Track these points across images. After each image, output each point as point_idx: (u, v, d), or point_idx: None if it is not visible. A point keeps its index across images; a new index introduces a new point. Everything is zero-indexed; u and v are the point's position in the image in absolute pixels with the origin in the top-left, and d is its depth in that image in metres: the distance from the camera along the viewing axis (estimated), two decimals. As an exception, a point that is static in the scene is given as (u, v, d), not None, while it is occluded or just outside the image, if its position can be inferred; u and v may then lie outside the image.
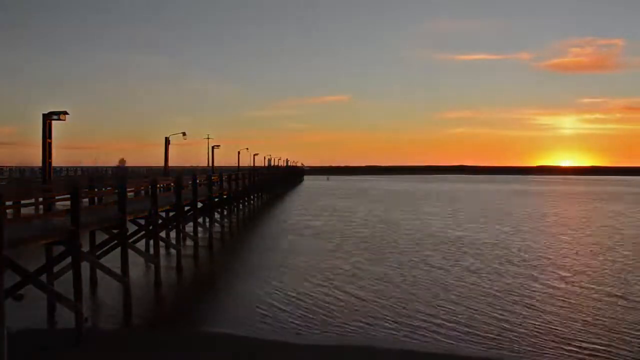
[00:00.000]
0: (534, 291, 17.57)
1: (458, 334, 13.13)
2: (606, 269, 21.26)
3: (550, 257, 24.13)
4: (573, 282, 19.00)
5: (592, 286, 18.27)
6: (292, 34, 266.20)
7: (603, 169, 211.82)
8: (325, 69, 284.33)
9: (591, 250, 26.10)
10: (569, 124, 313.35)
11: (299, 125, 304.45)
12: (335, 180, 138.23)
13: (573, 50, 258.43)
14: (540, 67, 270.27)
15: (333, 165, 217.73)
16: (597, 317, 14.49)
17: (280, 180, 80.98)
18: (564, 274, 20.38)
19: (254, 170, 59.69)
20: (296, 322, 14.23)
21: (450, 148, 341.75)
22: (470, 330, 13.35)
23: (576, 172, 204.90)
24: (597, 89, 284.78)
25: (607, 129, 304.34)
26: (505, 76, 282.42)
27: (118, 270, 15.87)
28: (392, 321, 14.21)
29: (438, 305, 15.77)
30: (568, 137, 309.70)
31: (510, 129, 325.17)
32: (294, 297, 16.91)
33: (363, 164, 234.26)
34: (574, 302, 16.25)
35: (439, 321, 14.16)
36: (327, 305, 15.91)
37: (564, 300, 16.37)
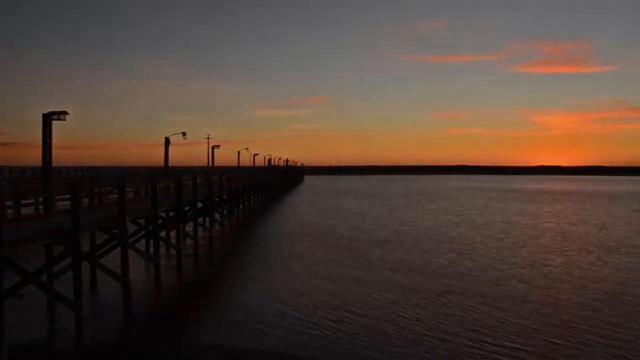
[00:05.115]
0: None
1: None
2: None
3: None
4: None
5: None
6: (286, 33, 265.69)
7: (598, 168, 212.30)
8: (320, 70, 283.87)
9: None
10: (556, 124, 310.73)
11: (299, 125, 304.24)
12: (337, 181, 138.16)
13: (546, 51, 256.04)
14: (515, 67, 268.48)
15: (333, 165, 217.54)
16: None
17: (276, 181, 79.55)
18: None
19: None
20: (297, 331, 13.68)
21: (448, 148, 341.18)
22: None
23: (570, 171, 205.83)
24: (579, 89, 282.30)
25: (598, 128, 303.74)
26: (491, 77, 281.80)
27: (118, 270, 15.88)
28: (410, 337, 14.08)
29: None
30: (558, 137, 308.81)
31: (502, 129, 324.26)
32: (294, 302, 16.64)
33: (363, 164, 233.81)
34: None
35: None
36: (331, 314, 15.50)
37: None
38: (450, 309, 15.40)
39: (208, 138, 68.20)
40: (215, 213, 31.96)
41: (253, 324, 14.04)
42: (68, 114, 17.23)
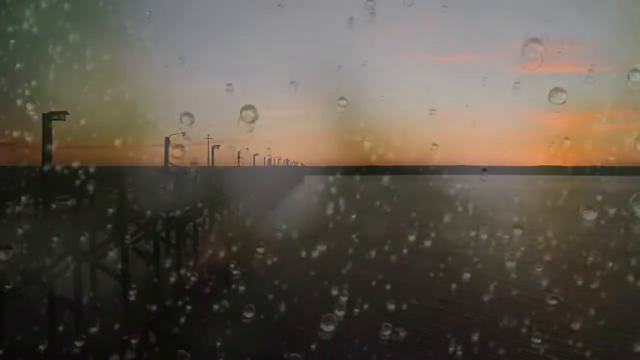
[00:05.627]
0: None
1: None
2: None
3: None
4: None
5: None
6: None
7: (598, 168, 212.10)
8: (319, 69, 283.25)
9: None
10: (556, 124, 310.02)
11: (299, 125, 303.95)
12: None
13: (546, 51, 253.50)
14: (515, 67, 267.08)
15: (332, 165, 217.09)
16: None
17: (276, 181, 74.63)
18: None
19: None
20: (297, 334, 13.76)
21: (448, 148, 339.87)
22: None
23: (570, 171, 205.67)
24: (579, 89, 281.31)
25: (598, 128, 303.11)
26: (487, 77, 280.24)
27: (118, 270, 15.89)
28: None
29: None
30: (558, 137, 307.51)
31: (502, 129, 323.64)
32: (295, 305, 16.54)
33: (362, 164, 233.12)
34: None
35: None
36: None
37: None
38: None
39: (208, 138, 67.88)
40: (215, 213, 31.93)
41: (255, 326, 13.99)
42: (68, 114, 17.23)
